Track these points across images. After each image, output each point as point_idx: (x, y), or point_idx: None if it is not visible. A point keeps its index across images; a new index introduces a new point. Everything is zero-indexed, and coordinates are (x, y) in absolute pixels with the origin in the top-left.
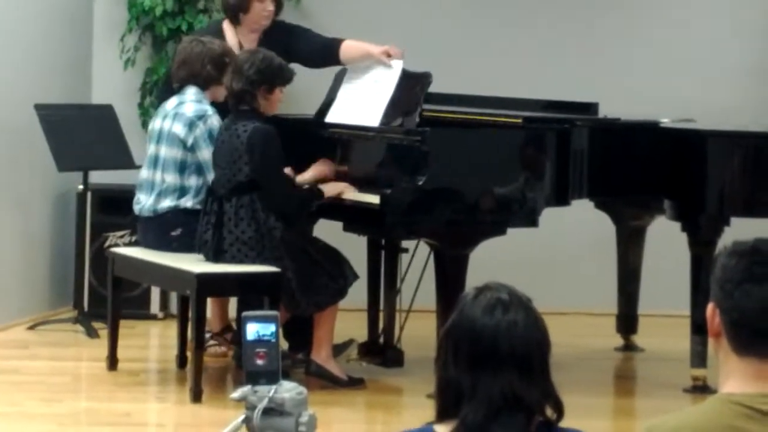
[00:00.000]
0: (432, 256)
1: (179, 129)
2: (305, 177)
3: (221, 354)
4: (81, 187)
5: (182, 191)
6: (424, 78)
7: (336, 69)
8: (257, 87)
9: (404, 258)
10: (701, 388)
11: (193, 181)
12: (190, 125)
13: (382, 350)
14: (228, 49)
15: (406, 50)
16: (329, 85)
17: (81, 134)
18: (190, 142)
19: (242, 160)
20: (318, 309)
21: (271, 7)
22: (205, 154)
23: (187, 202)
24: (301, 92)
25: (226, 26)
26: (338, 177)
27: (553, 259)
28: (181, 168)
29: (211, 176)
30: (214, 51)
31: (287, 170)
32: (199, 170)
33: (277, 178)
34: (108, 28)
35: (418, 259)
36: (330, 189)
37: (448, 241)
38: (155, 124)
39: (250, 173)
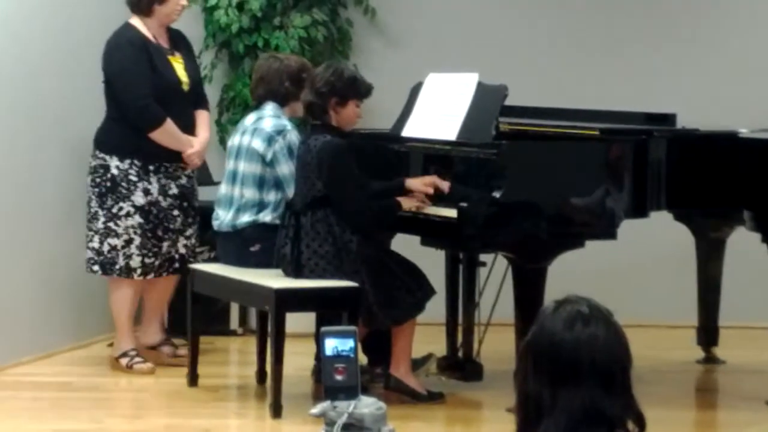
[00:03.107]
0: (510, 270)
1: (258, 144)
2: (413, 184)
3: (148, 371)
4: None
5: (261, 206)
6: (500, 91)
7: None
8: (327, 99)
9: (482, 272)
10: None
11: (272, 196)
12: (269, 140)
13: (461, 364)
14: (305, 64)
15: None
16: (405, 100)
17: None
18: (269, 157)
19: (315, 175)
20: (396, 323)
21: (184, 2)
22: (284, 168)
23: (266, 217)
24: (376, 107)
25: (135, 21)
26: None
27: (633, 271)
28: (260, 183)
29: (290, 191)
30: (291, 67)
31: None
32: (278, 185)
33: (348, 192)
34: None
35: (496, 273)
36: (408, 201)
37: (526, 255)
38: (234, 140)
39: (322, 187)
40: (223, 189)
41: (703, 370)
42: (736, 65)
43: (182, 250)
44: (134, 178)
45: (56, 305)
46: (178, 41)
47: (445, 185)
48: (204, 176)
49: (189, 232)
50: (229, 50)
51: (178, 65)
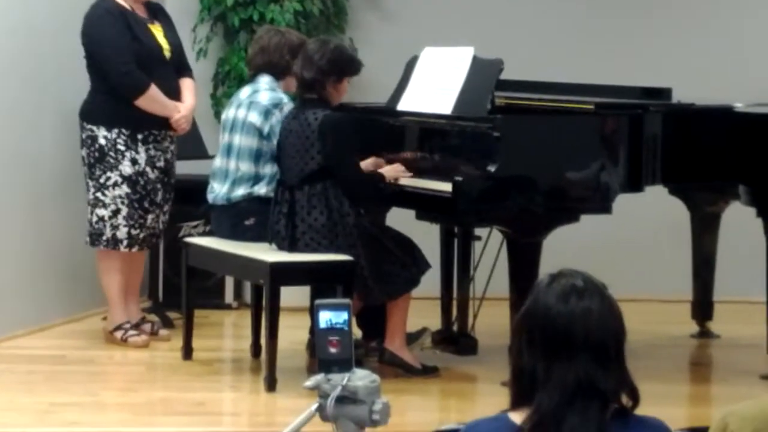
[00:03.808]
0: (505, 244)
1: (255, 118)
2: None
3: (143, 344)
4: None
5: (256, 179)
6: (496, 65)
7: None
8: (327, 77)
9: (477, 246)
10: None
11: (267, 169)
12: (266, 114)
13: (455, 338)
14: (305, 40)
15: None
16: (401, 74)
17: None
18: (266, 130)
19: (314, 149)
20: (390, 297)
21: None
22: None
23: (261, 189)
24: (372, 81)
25: None
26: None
27: (627, 245)
28: (257, 156)
29: None
30: (293, 42)
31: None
32: (274, 158)
33: (351, 163)
34: (180, 19)
35: (491, 247)
36: (388, 172)
37: (521, 229)
38: (229, 113)
39: (322, 161)
40: (218, 162)
41: (698, 345)
42: (731, 40)
43: (161, 226)
44: (122, 148)
45: (51, 278)
46: (156, 11)
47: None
48: (199, 149)
49: (166, 207)
50: (224, 24)
51: (158, 33)
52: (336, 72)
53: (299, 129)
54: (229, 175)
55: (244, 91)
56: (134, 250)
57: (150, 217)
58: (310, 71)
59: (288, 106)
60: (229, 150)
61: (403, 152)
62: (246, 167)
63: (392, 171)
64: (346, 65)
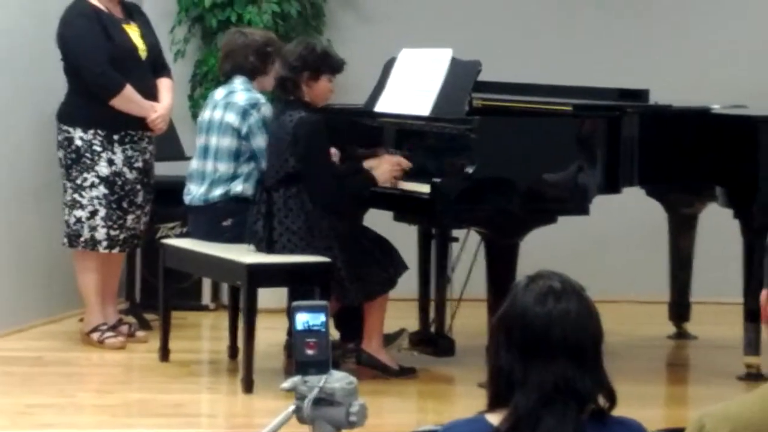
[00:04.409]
0: (482, 245)
1: (232, 118)
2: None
3: (120, 345)
4: None
5: (233, 178)
6: (473, 66)
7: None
8: (299, 74)
9: (455, 247)
10: (755, 376)
11: (245, 168)
12: (244, 114)
13: (433, 340)
14: (271, 38)
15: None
16: (378, 75)
17: None
18: (244, 130)
19: (288, 151)
20: (368, 298)
21: None
22: (260, 141)
23: (237, 187)
24: (350, 82)
25: None
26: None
27: (605, 247)
28: (236, 156)
29: (264, 164)
30: (256, 42)
31: (332, 151)
32: (253, 158)
33: (322, 170)
34: (158, 20)
35: (468, 248)
36: (383, 177)
37: (498, 230)
38: (204, 114)
39: (295, 164)
40: (195, 164)
41: (675, 346)
42: (708, 41)
43: (142, 227)
44: (98, 149)
45: (28, 280)
46: (133, 11)
47: (404, 163)
48: (176, 151)
49: (147, 208)
50: (202, 25)
51: (134, 33)
52: (308, 68)
53: (277, 131)
54: (206, 176)
55: (219, 92)
56: (114, 251)
57: (130, 218)
58: (281, 70)
59: (265, 106)
60: (205, 151)
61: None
62: (224, 168)
63: (387, 174)
64: (319, 61)
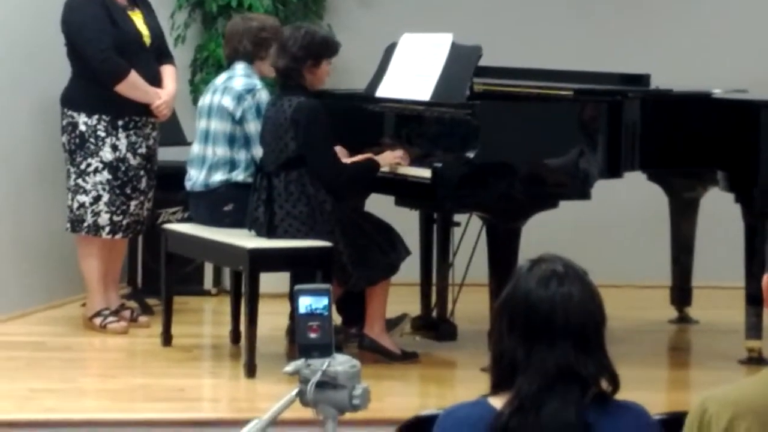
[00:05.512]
0: (484, 230)
1: (228, 102)
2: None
3: (122, 330)
4: None
5: (232, 165)
6: (474, 51)
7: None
8: (302, 63)
9: (456, 232)
10: (756, 360)
11: (242, 154)
12: (239, 98)
13: (435, 324)
14: (266, 24)
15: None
16: (379, 60)
17: None
18: (238, 115)
19: (288, 136)
20: (370, 283)
21: None
22: (252, 127)
23: (238, 176)
24: (350, 67)
25: None
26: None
27: (606, 231)
28: (231, 141)
29: (257, 150)
30: (251, 27)
31: (338, 149)
32: (247, 143)
33: (323, 152)
34: (158, 5)
35: (470, 233)
36: (386, 160)
37: (500, 215)
38: (205, 99)
39: (296, 148)
40: (195, 149)
41: (676, 330)
42: (710, 26)
43: (145, 213)
44: (102, 134)
45: (30, 265)
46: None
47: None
48: (177, 136)
49: (150, 194)
50: (203, 10)
51: (138, 19)
52: (311, 56)
53: (275, 116)
54: (206, 161)
55: (220, 78)
56: (117, 237)
57: (133, 203)
58: (284, 59)
59: (262, 92)
60: (206, 136)
61: (385, 143)
62: (222, 152)
63: (390, 158)
64: (321, 48)
